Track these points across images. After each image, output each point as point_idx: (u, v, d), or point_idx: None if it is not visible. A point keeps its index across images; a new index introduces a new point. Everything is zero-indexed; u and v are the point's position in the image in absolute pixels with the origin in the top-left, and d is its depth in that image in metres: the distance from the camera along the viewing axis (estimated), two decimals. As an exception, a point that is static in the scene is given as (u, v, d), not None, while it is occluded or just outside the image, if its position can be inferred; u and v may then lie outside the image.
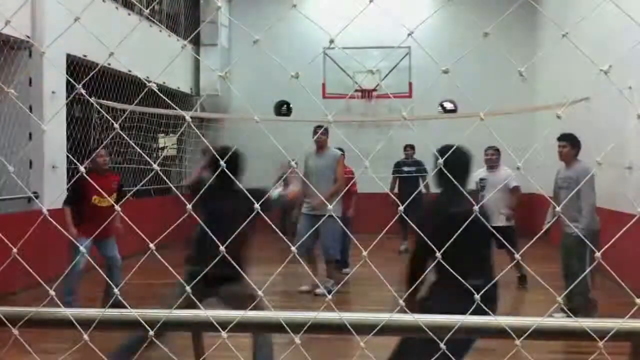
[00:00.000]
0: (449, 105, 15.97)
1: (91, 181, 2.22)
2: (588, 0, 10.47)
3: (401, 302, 1.62)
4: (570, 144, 6.94)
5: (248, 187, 3.54)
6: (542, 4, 14.14)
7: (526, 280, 8.69)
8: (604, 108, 9.26)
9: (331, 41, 1.75)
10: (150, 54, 11.53)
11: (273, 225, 2.15)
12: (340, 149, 9.01)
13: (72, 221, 7.12)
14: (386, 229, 1.91)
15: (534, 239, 1.95)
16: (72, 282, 7.11)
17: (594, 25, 9.48)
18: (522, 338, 1.57)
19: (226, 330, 1.71)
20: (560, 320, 1.69)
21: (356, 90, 15.01)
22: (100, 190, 5.79)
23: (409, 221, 1.97)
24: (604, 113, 9.32)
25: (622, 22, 8.08)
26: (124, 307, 1.78)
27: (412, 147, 12.35)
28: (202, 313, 1.75)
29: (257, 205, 1.79)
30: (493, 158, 9.05)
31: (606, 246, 1.82)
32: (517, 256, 1.60)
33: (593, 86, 8.26)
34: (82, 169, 1.78)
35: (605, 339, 1.52)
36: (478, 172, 9.23)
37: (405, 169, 12.00)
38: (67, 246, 7.01)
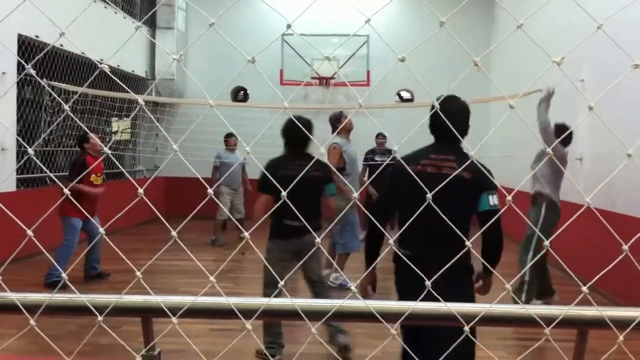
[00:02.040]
0: (405, 95, 16.07)
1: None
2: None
3: (354, 288, 1.62)
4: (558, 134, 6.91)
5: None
6: (498, -4, 14.32)
7: None
8: (557, 100, 9.44)
9: (288, 26, 1.74)
10: (105, 36, 11.32)
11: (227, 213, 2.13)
12: None
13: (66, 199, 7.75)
14: (336, 220, 1.91)
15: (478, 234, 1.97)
16: (69, 259, 7.90)
17: (550, 19, 9.65)
18: (470, 324, 1.59)
19: (177, 316, 1.70)
20: (507, 307, 1.72)
21: (314, 78, 15.00)
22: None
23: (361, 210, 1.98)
24: (556, 105, 9.49)
25: (577, 16, 8.22)
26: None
27: (384, 136, 12.17)
28: (153, 298, 1.73)
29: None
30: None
31: (555, 235, 1.85)
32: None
33: (546, 78, 8.40)
34: (30, 151, 1.73)
35: (552, 325, 1.55)
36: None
37: (377, 158, 11.78)
38: (61, 223, 7.94)
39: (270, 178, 2.92)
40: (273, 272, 3.11)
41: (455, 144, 3.45)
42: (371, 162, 11.52)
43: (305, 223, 2.15)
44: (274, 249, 5.35)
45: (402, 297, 3.36)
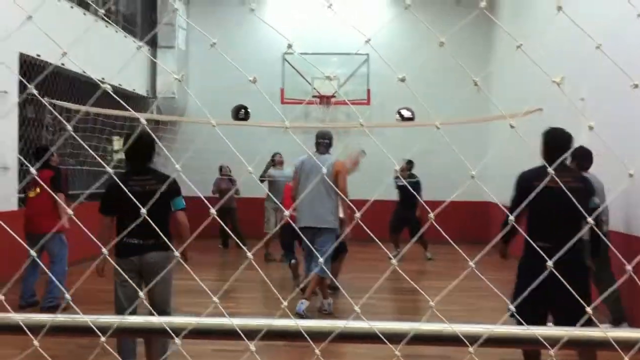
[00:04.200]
0: (406, 113, 16.10)
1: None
2: (542, 12, 10.69)
3: (357, 309, 1.62)
4: (571, 155, 6.83)
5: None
6: (497, 14, 14.39)
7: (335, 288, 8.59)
8: (557, 119, 9.45)
9: (289, 46, 1.75)
10: (105, 55, 11.37)
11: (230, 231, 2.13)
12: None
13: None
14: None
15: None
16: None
17: (548, 36, 9.69)
18: (475, 345, 1.58)
19: (179, 337, 1.69)
20: (512, 328, 1.71)
21: (314, 96, 15.05)
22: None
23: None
24: (557, 123, 9.50)
25: (575, 34, 8.26)
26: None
27: (407, 162, 12.40)
28: (155, 319, 1.72)
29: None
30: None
31: (559, 252, 1.84)
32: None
33: (547, 97, 8.43)
34: (33, 170, 1.73)
35: (558, 346, 1.54)
36: None
37: (399, 183, 11.99)
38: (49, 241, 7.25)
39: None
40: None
41: (564, 162, 4.69)
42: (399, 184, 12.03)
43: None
44: (115, 270, 4.91)
45: (526, 278, 4.44)
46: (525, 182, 4.77)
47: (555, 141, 4.86)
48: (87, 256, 8.87)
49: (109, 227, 5.05)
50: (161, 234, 2.06)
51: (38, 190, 7.65)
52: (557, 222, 4.40)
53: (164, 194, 4.67)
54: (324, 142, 7.88)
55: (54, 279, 7.10)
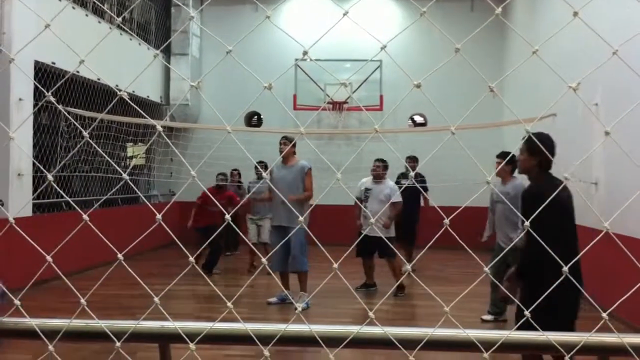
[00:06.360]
0: (419, 119, 16.10)
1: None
2: (555, 14, 10.65)
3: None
4: (511, 160, 7.30)
5: None
6: (510, 16, 14.35)
7: (404, 290, 9.13)
8: (571, 124, 9.41)
9: (304, 53, 1.75)
10: (119, 62, 11.44)
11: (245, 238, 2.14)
12: None
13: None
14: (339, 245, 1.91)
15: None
16: None
17: (562, 39, 9.65)
18: (490, 351, 1.58)
19: (194, 342, 1.70)
20: (527, 334, 1.71)
21: (327, 102, 15.07)
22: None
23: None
24: (571, 129, 9.47)
25: (589, 38, 8.23)
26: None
27: (412, 159, 11.51)
28: (170, 324, 1.73)
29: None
30: (378, 170, 9.30)
31: (573, 261, 1.83)
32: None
33: (561, 102, 8.40)
34: (50, 177, 1.75)
35: (572, 352, 1.54)
36: (364, 181, 9.53)
37: (404, 181, 11.06)
38: None
39: None
40: None
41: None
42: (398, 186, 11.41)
43: None
44: None
45: (574, 292, 3.82)
46: (554, 195, 4.33)
47: (551, 147, 4.32)
48: (105, 260, 8.95)
49: None
50: None
51: None
52: (574, 233, 4.21)
53: None
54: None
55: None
